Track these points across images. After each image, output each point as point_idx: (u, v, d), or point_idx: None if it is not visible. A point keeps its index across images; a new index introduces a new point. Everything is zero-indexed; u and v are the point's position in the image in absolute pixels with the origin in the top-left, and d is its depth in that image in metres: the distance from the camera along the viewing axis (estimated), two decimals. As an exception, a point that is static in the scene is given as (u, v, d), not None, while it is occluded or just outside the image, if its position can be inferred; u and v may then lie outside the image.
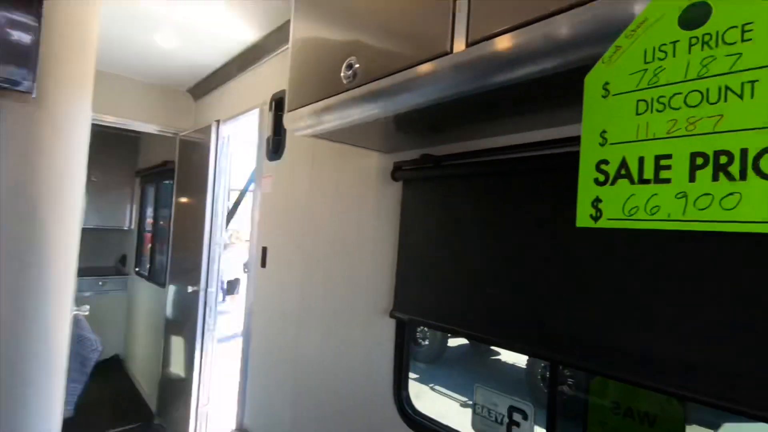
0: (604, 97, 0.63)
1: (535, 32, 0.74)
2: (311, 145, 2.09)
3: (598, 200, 0.62)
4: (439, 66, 0.89)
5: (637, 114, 0.59)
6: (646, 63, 0.59)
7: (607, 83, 0.63)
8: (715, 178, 0.52)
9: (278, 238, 2.28)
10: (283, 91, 2.35)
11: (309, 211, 2.06)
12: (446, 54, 0.88)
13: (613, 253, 0.96)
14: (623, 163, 0.60)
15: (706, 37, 0.54)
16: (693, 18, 0.55)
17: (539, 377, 5.29)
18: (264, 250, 2.38)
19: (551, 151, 1.10)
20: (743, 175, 0.50)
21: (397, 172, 1.52)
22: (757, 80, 0.50)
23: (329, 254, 1.89)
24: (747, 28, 0.51)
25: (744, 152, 0.50)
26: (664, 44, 0.57)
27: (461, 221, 1.30)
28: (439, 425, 1.33)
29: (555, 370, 1.09)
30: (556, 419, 1.04)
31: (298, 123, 1.35)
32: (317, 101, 1.25)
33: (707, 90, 0.53)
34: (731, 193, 0.51)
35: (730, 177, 0.51)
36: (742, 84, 0.51)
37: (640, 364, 0.89)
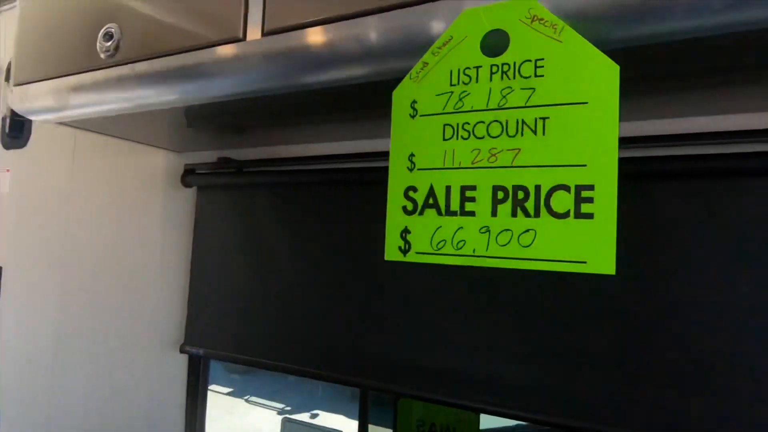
0: (412, 116, 0.57)
1: (344, 32, 0.65)
2: (72, 132, 1.62)
3: (407, 231, 0.56)
4: (228, 54, 0.72)
5: (444, 139, 0.55)
6: (451, 85, 0.55)
7: (415, 101, 0.57)
8: (513, 213, 0.51)
9: (20, 255, 1.71)
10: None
11: (69, 220, 1.59)
12: (238, 41, 0.72)
13: (416, 277, 0.96)
14: (431, 192, 0.55)
15: (505, 67, 0.52)
16: (493, 45, 0.53)
17: None
18: (-4, 270, 1.76)
19: (367, 164, 1.04)
20: (537, 212, 0.50)
21: (190, 176, 1.26)
22: (548, 117, 0.50)
23: (99, 276, 1.48)
24: (539, 63, 0.51)
25: (538, 189, 0.50)
26: (469, 68, 0.54)
27: (268, 237, 1.15)
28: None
29: (365, 397, 1.06)
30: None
31: (33, 103, 0.98)
32: (63, 76, 0.92)
33: (506, 122, 0.52)
34: (527, 230, 0.50)
35: (526, 213, 0.50)
36: (536, 119, 0.51)
37: (439, 382, 0.92)
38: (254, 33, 0.70)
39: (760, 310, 0.71)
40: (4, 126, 1.81)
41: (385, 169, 1.05)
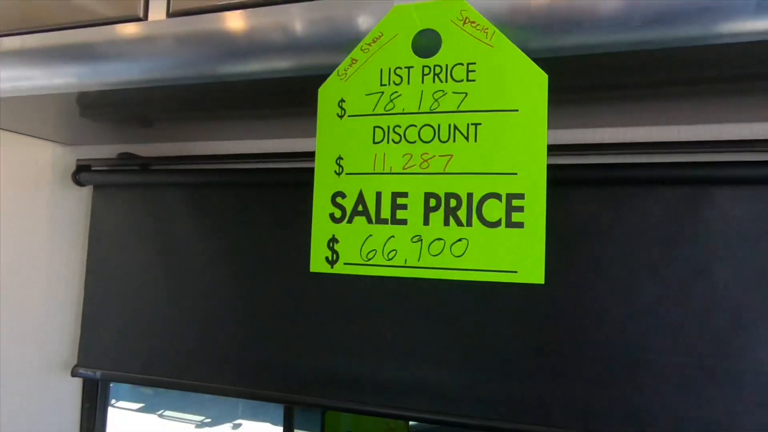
0: (339, 116, 0.53)
1: (267, 19, 0.59)
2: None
3: (334, 240, 0.52)
4: (124, 35, 0.62)
5: (375, 142, 0.52)
6: (382, 85, 0.52)
7: (342, 100, 0.53)
8: (446, 222, 0.49)
9: None
10: None
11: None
12: (138, 20, 0.62)
13: (341, 286, 0.92)
14: (361, 198, 0.52)
15: (437, 69, 0.50)
16: (425, 45, 0.51)
17: None
18: None
19: (293, 165, 0.98)
20: (469, 221, 0.48)
21: (84, 173, 1.10)
22: (480, 123, 0.49)
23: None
24: (471, 68, 0.49)
25: (470, 197, 0.49)
26: (400, 68, 0.51)
27: (179, 243, 1.04)
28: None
29: (290, 414, 1.00)
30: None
31: None
32: None
33: (439, 126, 0.50)
34: (460, 239, 0.48)
35: (459, 222, 0.49)
36: (468, 125, 0.49)
37: (367, 392, 0.89)
38: (158, 12, 0.62)
39: (664, 310, 0.77)
40: None
41: (312, 171, 1.00)
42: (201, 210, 1.05)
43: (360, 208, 0.51)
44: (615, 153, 0.82)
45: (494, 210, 0.48)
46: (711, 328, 0.76)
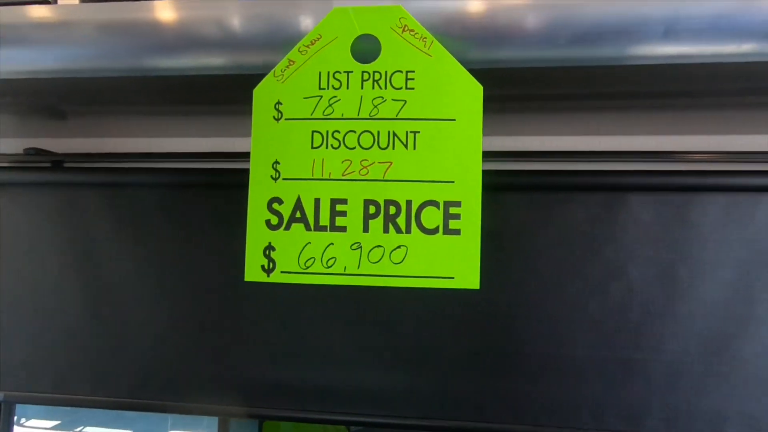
0: (276, 119, 0.51)
1: (200, 11, 0.56)
2: None
3: (271, 248, 0.50)
4: (32, 17, 0.56)
5: (313, 147, 0.50)
6: (320, 89, 0.51)
7: (279, 102, 0.51)
8: (385, 229, 0.49)
9: None
10: None
11: None
12: (47, 2, 0.56)
13: (273, 292, 0.88)
14: (298, 204, 0.50)
15: (377, 75, 0.50)
16: (365, 50, 0.50)
17: None
18: None
19: (224, 165, 0.93)
20: (408, 228, 0.49)
21: (-18, 170, 0.98)
22: (418, 131, 0.49)
23: None
24: (410, 75, 0.50)
25: (409, 204, 0.49)
26: (339, 72, 0.50)
27: (95, 248, 0.95)
28: None
29: (225, 426, 0.95)
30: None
31: None
32: None
33: (378, 133, 0.50)
34: (399, 246, 0.49)
35: (398, 229, 0.49)
36: (407, 133, 0.49)
37: (306, 399, 0.87)
38: (72, -3, 0.56)
39: (586, 307, 0.83)
40: None
41: (245, 172, 0.96)
42: (121, 212, 0.96)
43: (298, 214, 0.50)
44: (542, 160, 0.87)
45: (432, 217, 0.49)
46: (626, 323, 0.82)
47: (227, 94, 0.72)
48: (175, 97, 0.83)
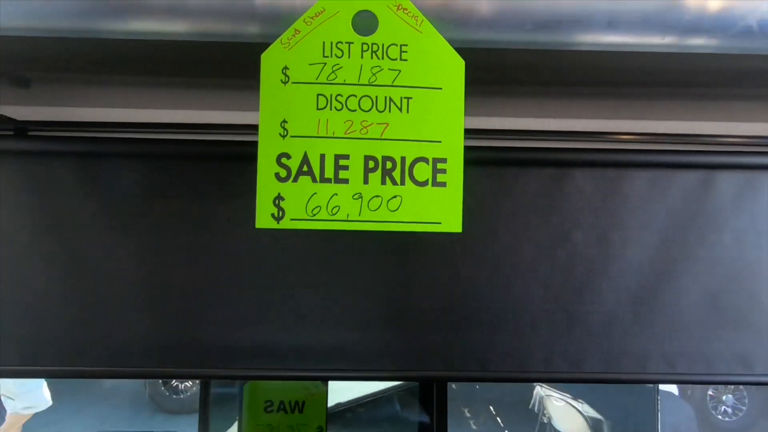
0: (283, 82, 0.57)
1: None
2: None
3: (280, 198, 0.56)
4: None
5: (318, 108, 0.56)
6: (324, 57, 0.57)
7: (286, 68, 0.57)
8: (383, 181, 0.56)
9: None
10: None
11: None
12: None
13: (248, 255, 0.93)
14: (305, 159, 0.56)
15: (375, 47, 0.57)
16: (364, 24, 0.57)
17: (161, 383, 4.83)
18: None
19: (192, 136, 0.95)
20: (403, 181, 0.56)
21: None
22: (411, 98, 0.57)
23: None
24: (404, 48, 0.57)
25: (403, 160, 0.56)
26: (341, 42, 0.57)
27: (67, 218, 0.93)
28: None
29: (207, 388, 0.98)
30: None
31: None
32: None
33: (376, 98, 0.57)
34: (395, 196, 0.56)
35: (394, 181, 0.56)
36: (401, 98, 0.57)
37: (287, 358, 0.92)
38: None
39: (537, 267, 0.95)
40: None
41: (210, 143, 1.00)
42: (93, 180, 0.96)
43: (305, 168, 0.56)
44: (498, 138, 0.98)
45: (423, 171, 0.57)
46: (571, 281, 0.96)
47: (195, 64, 0.76)
48: (143, 66, 0.85)
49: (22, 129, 0.97)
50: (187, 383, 4.77)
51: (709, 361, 0.97)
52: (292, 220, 0.55)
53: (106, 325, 0.92)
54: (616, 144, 0.99)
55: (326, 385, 1.00)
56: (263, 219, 0.55)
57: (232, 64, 0.74)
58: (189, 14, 0.62)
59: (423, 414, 1.01)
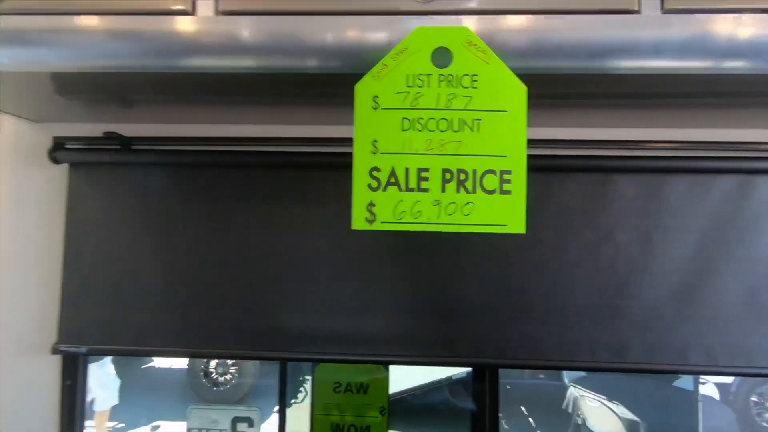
0: (374, 108, 0.68)
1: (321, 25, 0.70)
2: None
3: (372, 204, 0.67)
4: (173, 26, 0.70)
5: (403, 130, 0.68)
6: (408, 86, 0.68)
7: (376, 96, 0.68)
8: (458, 190, 0.67)
9: None
10: None
11: None
12: (186, 13, 0.71)
13: (325, 252, 1.06)
14: (393, 172, 0.67)
15: (450, 78, 0.68)
16: (441, 58, 0.68)
17: (202, 374, 5.14)
18: None
19: (273, 149, 1.08)
20: (474, 190, 0.67)
21: (62, 151, 1.10)
22: (481, 119, 0.67)
23: None
24: (475, 78, 0.68)
25: (474, 172, 0.67)
26: (421, 74, 0.68)
27: (164, 219, 1.09)
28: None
29: (284, 369, 1.11)
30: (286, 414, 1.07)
31: None
32: None
33: (452, 120, 0.68)
34: (468, 203, 0.67)
35: (467, 190, 0.67)
36: (473, 120, 0.67)
37: (355, 343, 1.04)
38: (206, 9, 0.71)
39: (583, 264, 1.04)
40: None
41: (292, 154, 1.12)
42: (187, 187, 1.11)
43: (393, 179, 0.67)
44: (550, 147, 1.07)
45: (491, 182, 0.67)
46: (614, 277, 1.04)
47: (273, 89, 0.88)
48: (226, 90, 0.98)
49: (126, 144, 1.12)
50: (226, 376, 5.06)
51: (750, 354, 1.02)
52: (382, 222, 0.67)
53: (200, 312, 1.07)
54: (657, 151, 1.06)
55: (387, 370, 1.11)
56: (358, 222, 0.67)
57: (306, 88, 0.87)
58: (275, 52, 0.74)
59: (474, 402, 1.11)
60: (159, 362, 5.27)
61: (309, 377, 1.17)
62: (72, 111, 1.11)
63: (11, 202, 1.14)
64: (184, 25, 0.71)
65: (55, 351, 1.06)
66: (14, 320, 1.13)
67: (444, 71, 0.68)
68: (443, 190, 0.67)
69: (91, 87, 0.97)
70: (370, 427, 1.06)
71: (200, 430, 1.07)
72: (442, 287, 1.05)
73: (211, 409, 1.09)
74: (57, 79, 0.89)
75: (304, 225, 1.05)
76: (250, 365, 5.04)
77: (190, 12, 0.71)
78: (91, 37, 0.76)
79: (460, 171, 0.67)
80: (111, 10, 0.73)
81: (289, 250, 1.05)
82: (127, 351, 1.06)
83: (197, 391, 4.99)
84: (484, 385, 1.06)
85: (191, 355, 1.05)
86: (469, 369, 1.15)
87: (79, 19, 0.74)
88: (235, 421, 1.07)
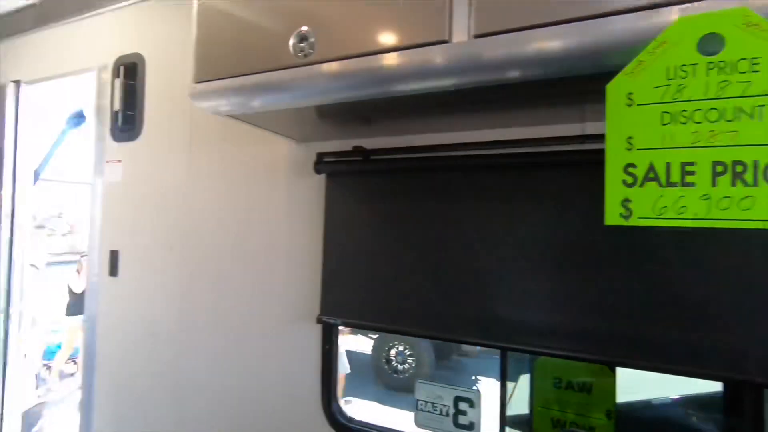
0: (628, 105, 0.69)
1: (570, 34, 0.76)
2: (188, 124, 1.75)
3: (627, 200, 0.68)
4: (436, 54, 0.84)
5: (663, 124, 0.66)
6: (668, 79, 0.66)
7: (630, 93, 0.69)
8: (733, 183, 0.62)
9: (137, 239, 1.85)
10: (134, 55, 1.91)
11: (188, 206, 1.73)
12: (443, 42, 0.83)
13: (542, 249, 1.08)
14: (651, 168, 0.67)
15: (722, 64, 0.64)
16: (709, 46, 0.64)
17: (383, 360, 5.68)
18: (114, 254, 1.90)
19: (502, 151, 1.16)
20: (756, 182, 0.61)
21: (321, 164, 1.39)
22: (764, 105, 0.61)
23: (222, 257, 1.62)
24: (755, 61, 0.62)
25: (756, 163, 0.61)
26: (685, 65, 0.65)
27: (397, 217, 1.27)
28: (377, 428, 1.28)
29: (505, 358, 1.17)
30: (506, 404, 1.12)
31: (213, 100, 1.11)
32: (247, 74, 1.05)
33: (724, 109, 0.63)
34: (747, 197, 0.61)
35: (745, 183, 0.61)
36: (753, 107, 0.62)
37: (578, 340, 1.03)
38: (460, 35, 0.82)
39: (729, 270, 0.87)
40: (115, 121, 1.96)
41: (518, 155, 1.17)
42: (410, 189, 1.27)
43: (651, 175, 0.66)
44: None
45: (779, 173, 0.60)
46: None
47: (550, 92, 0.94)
48: (451, 102, 1.08)
49: (366, 154, 1.35)
50: (404, 365, 5.49)
51: None
52: (639, 218, 0.66)
53: (423, 298, 1.21)
54: None
55: (614, 372, 1.06)
56: (612, 217, 0.68)
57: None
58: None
59: (724, 429, 0.97)
60: (349, 345, 6.00)
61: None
62: (326, 131, 1.40)
63: (290, 205, 1.50)
64: (440, 52, 0.84)
65: (318, 321, 1.34)
66: (288, 296, 1.47)
67: (714, 58, 0.64)
68: (714, 184, 0.63)
69: (343, 110, 1.20)
70: (595, 429, 1.02)
71: (426, 402, 1.20)
72: (687, 287, 0.95)
73: (436, 385, 1.21)
74: (319, 108, 1.13)
75: (530, 220, 1.09)
76: (426, 357, 5.34)
77: (447, 40, 0.83)
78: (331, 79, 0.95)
79: (735, 163, 0.62)
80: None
81: (516, 243, 1.10)
82: (368, 326, 1.28)
83: (379, 375, 5.52)
84: (741, 407, 0.92)
85: (407, 334, 1.20)
86: (718, 386, 1.01)
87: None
88: (458, 399, 1.17)
